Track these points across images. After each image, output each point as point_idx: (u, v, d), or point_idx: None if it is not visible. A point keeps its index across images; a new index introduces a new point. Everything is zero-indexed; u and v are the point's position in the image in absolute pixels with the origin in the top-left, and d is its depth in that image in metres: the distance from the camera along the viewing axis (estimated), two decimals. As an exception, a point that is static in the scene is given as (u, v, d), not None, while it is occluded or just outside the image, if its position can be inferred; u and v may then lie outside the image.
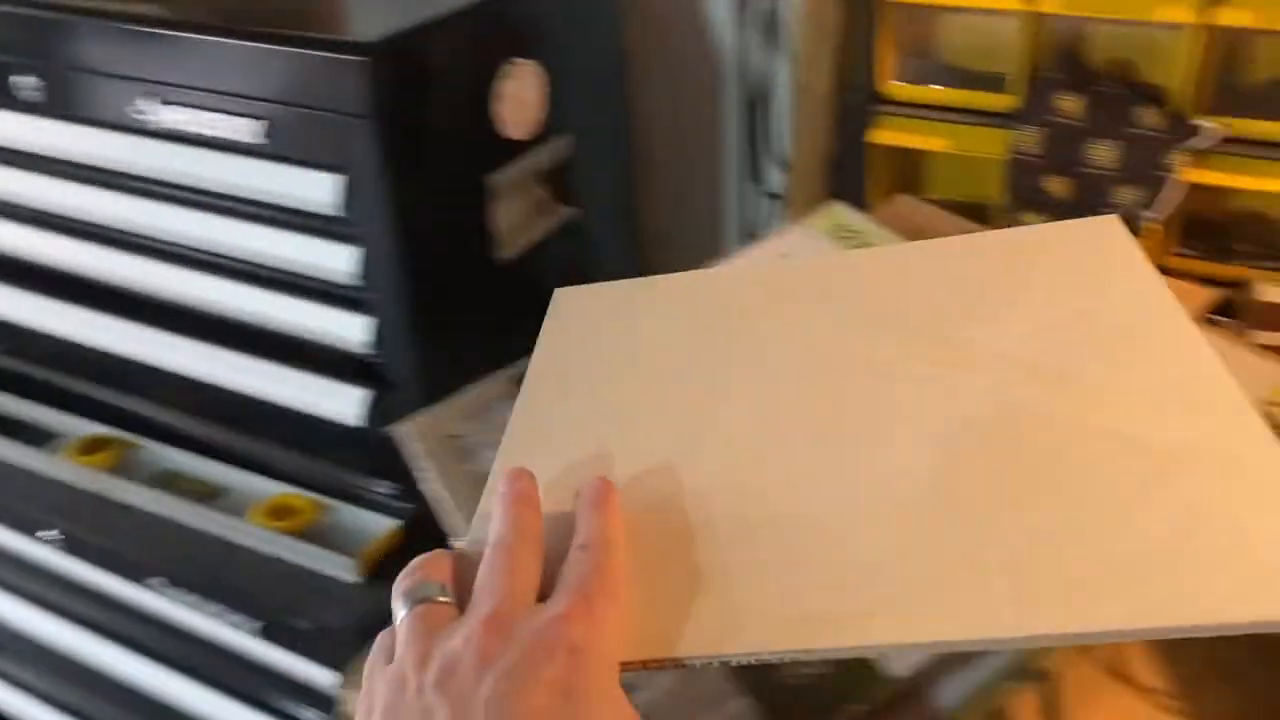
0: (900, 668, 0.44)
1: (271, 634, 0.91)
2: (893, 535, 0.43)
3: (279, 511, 0.95)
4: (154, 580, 0.96)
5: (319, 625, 0.87)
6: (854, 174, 0.88)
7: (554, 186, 0.95)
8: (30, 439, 1.08)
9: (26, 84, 0.88)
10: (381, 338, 0.83)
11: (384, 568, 0.91)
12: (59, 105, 0.87)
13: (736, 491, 0.48)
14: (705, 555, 0.45)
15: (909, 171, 0.90)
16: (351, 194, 0.76)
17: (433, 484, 0.61)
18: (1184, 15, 0.72)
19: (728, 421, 0.52)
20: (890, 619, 0.40)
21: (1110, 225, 0.58)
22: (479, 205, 0.86)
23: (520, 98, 0.86)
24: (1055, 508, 0.43)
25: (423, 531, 0.91)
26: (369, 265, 0.80)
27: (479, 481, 0.61)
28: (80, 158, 0.89)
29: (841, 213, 0.74)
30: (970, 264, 0.58)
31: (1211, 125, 0.74)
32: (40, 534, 1.03)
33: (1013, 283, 0.56)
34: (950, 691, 0.46)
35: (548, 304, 0.95)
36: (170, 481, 1.02)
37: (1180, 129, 0.74)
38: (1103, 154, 0.75)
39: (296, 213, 0.81)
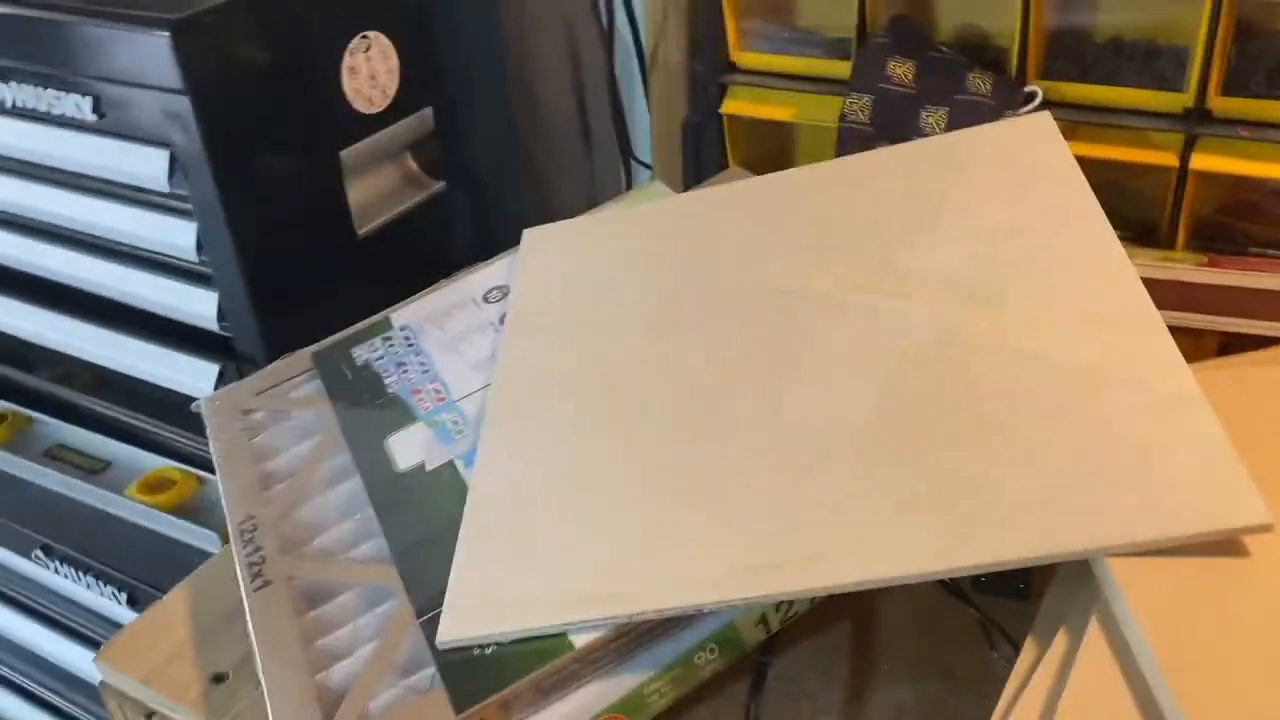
0: (580, 640, 0.44)
1: (137, 604, 0.92)
2: (836, 478, 0.47)
3: (157, 485, 0.96)
4: (36, 551, 0.98)
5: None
6: (710, 146, 0.86)
7: (421, 159, 0.95)
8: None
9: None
10: (227, 312, 0.83)
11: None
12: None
13: (694, 440, 0.51)
14: (666, 508, 0.48)
15: (769, 143, 0.89)
16: (179, 169, 0.77)
17: (217, 458, 0.62)
18: (1010, -25, 0.70)
19: (684, 367, 0.56)
20: (836, 563, 0.43)
21: (1041, 123, 0.62)
22: (332, 180, 0.86)
23: (371, 71, 0.86)
24: (978, 439, 0.46)
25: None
26: (208, 240, 0.80)
27: (259, 456, 0.61)
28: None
29: (658, 190, 0.73)
30: (908, 177, 0.62)
31: (1039, 90, 0.72)
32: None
33: (948, 196, 0.60)
34: (646, 658, 0.46)
35: (414, 277, 0.95)
36: (61, 455, 1.03)
37: (1010, 94, 0.72)
38: (933, 121, 0.73)
39: (135, 188, 0.81)
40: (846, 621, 0.53)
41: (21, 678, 1.22)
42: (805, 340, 0.54)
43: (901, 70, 0.74)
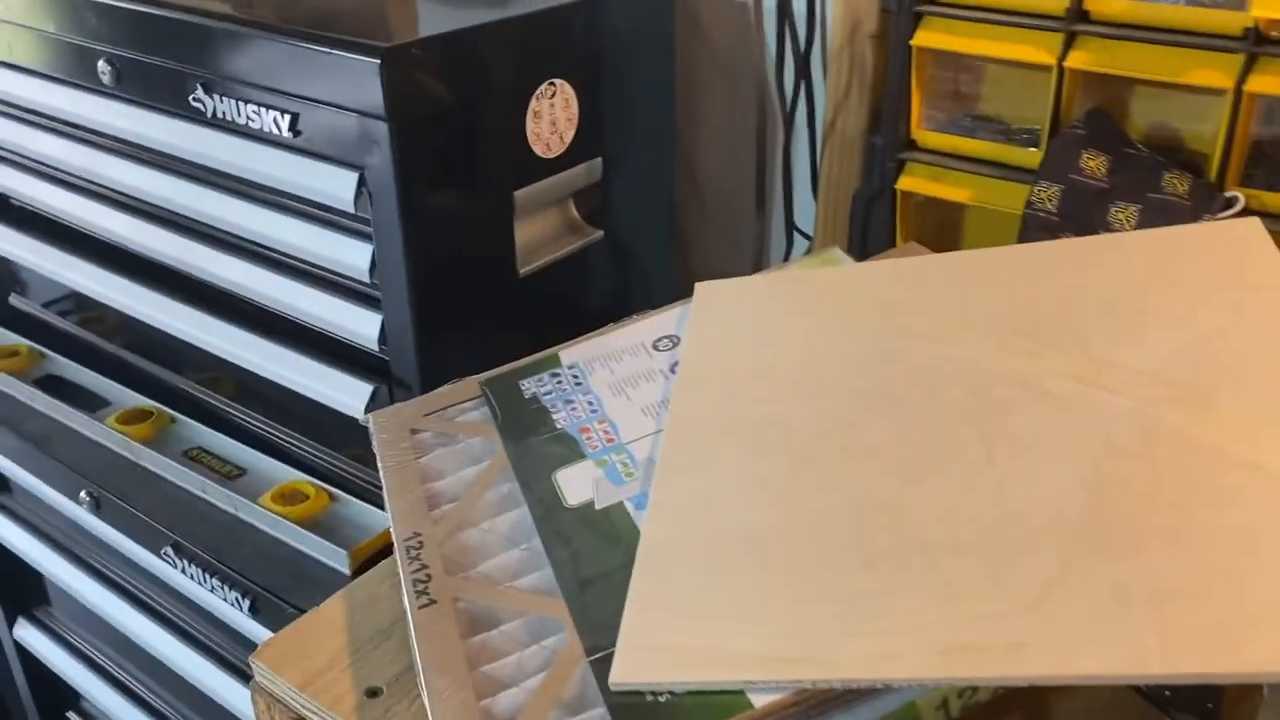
0: (761, 699, 0.43)
1: (259, 614, 0.93)
2: (1043, 566, 0.45)
3: (290, 496, 0.98)
4: (166, 549, 1.00)
5: (302, 610, 0.89)
6: (880, 218, 0.86)
7: (585, 207, 0.96)
8: (88, 404, 1.14)
9: (105, 70, 0.94)
10: (390, 335, 0.85)
11: (375, 563, 0.92)
12: (127, 89, 0.93)
13: (889, 512, 0.50)
14: (861, 578, 0.47)
15: (941, 222, 0.88)
16: (366, 192, 0.79)
17: (385, 474, 0.62)
18: (1219, 80, 0.69)
19: (876, 436, 0.55)
20: (1042, 652, 0.42)
21: (1251, 228, 0.60)
22: (503, 218, 0.87)
23: (553, 118, 0.88)
24: (1195, 543, 0.44)
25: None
26: (382, 262, 0.82)
27: (426, 476, 0.62)
28: (141, 139, 0.95)
29: (836, 257, 0.73)
30: (1111, 267, 0.61)
31: (1241, 197, 0.70)
32: (80, 495, 1.08)
33: (1153, 290, 0.59)
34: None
35: (562, 319, 0.96)
36: (199, 458, 1.05)
37: (1208, 199, 0.71)
38: (1123, 218, 0.72)
39: (318, 205, 0.84)
40: (1018, 713, 0.51)
41: (124, 674, 1.24)
42: (1003, 423, 0.53)
43: (1094, 163, 0.73)
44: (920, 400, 0.56)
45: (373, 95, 0.74)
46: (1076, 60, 0.73)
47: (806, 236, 0.98)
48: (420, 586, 0.54)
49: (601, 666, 0.47)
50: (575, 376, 0.67)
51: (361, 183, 0.79)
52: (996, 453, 0.51)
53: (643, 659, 0.46)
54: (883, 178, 0.84)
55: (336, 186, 0.80)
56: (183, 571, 0.99)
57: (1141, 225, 0.71)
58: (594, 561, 0.53)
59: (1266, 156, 0.72)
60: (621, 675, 0.46)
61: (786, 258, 0.97)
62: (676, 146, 1.07)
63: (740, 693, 0.44)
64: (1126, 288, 0.59)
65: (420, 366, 0.85)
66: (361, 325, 0.86)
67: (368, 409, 0.88)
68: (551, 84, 0.87)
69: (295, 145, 0.82)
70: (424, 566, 0.55)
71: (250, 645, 0.97)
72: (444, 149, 0.80)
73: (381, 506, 0.95)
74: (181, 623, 1.08)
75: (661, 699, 0.45)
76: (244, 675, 1.01)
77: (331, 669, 0.54)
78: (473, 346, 0.90)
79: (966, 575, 0.46)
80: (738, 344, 0.64)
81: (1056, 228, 0.74)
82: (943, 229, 0.89)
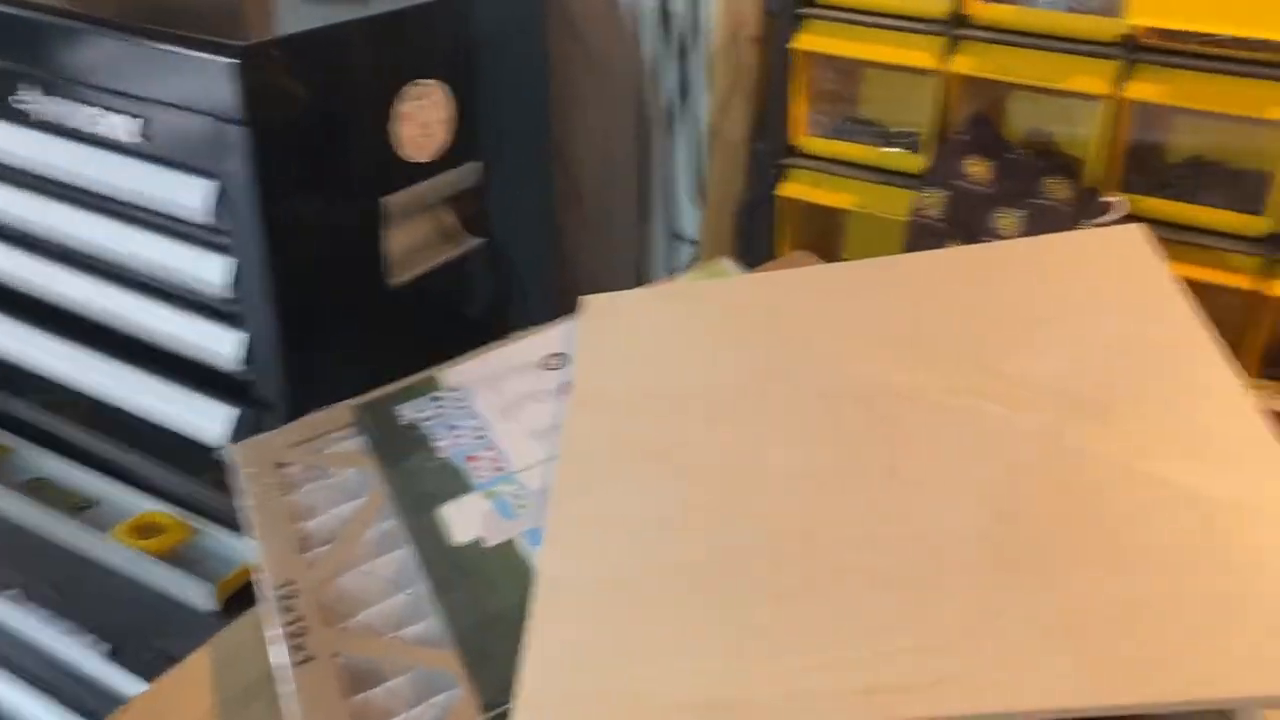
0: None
1: (120, 658, 0.86)
2: (957, 599, 0.43)
3: (145, 529, 0.91)
4: (11, 591, 0.91)
5: (167, 654, 0.83)
6: (764, 225, 0.85)
7: (462, 213, 0.92)
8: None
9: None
10: (253, 355, 0.79)
11: (245, 597, 0.86)
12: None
13: (801, 539, 0.48)
14: (777, 612, 0.45)
15: (825, 228, 0.87)
16: (224, 202, 0.73)
17: (251, 513, 0.57)
18: (1098, 87, 0.70)
19: (779, 459, 0.52)
20: (963, 688, 0.40)
21: (1136, 235, 0.60)
22: (371, 227, 0.83)
23: (422, 120, 0.83)
24: (1112, 567, 0.43)
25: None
26: (242, 278, 0.76)
27: (297, 515, 0.57)
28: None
29: (724, 268, 0.71)
30: (1001, 277, 0.60)
31: (1122, 201, 0.71)
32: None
33: (1044, 300, 0.58)
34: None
35: (439, 332, 0.92)
36: (41, 490, 0.97)
37: (1089, 203, 0.71)
38: (1007, 223, 0.72)
39: (171, 218, 0.78)
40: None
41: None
42: (904, 442, 0.51)
43: (978, 169, 0.73)
44: (820, 420, 0.54)
45: (229, 97, 0.69)
46: (959, 65, 0.73)
47: (690, 242, 0.96)
48: (296, 641, 0.49)
49: (499, 723, 0.44)
50: (459, 400, 0.63)
51: (218, 191, 0.73)
52: (902, 474, 0.50)
53: (544, 714, 0.43)
54: (765, 184, 0.82)
55: (189, 196, 0.74)
56: (30, 615, 0.91)
57: (1026, 230, 0.72)
58: (485, 606, 0.49)
59: (1143, 162, 0.73)
60: (522, 734, 0.42)
61: (670, 265, 0.95)
62: (555, 151, 1.04)
63: (651, 746, 0.42)
64: (1017, 298, 0.59)
65: (287, 387, 0.79)
66: (220, 344, 0.80)
67: (232, 435, 0.82)
68: (421, 84, 0.82)
69: (144, 152, 0.76)
70: (299, 618, 0.50)
71: (112, 695, 0.90)
72: (306, 153, 0.75)
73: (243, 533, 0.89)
74: (30, 675, 0.99)
75: (566, 757, 0.42)
76: (99, 724, 0.94)
77: (197, 736, 0.50)
78: (344, 364, 0.85)
79: (884, 607, 0.44)
80: (629, 363, 0.61)
81: (943, 234, 0.74)
82: (826, 235, 0.88)
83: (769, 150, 0.81)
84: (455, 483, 0.56)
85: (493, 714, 0.44)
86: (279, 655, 0.49)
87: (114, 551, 0.89)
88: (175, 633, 0.84)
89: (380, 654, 0.49)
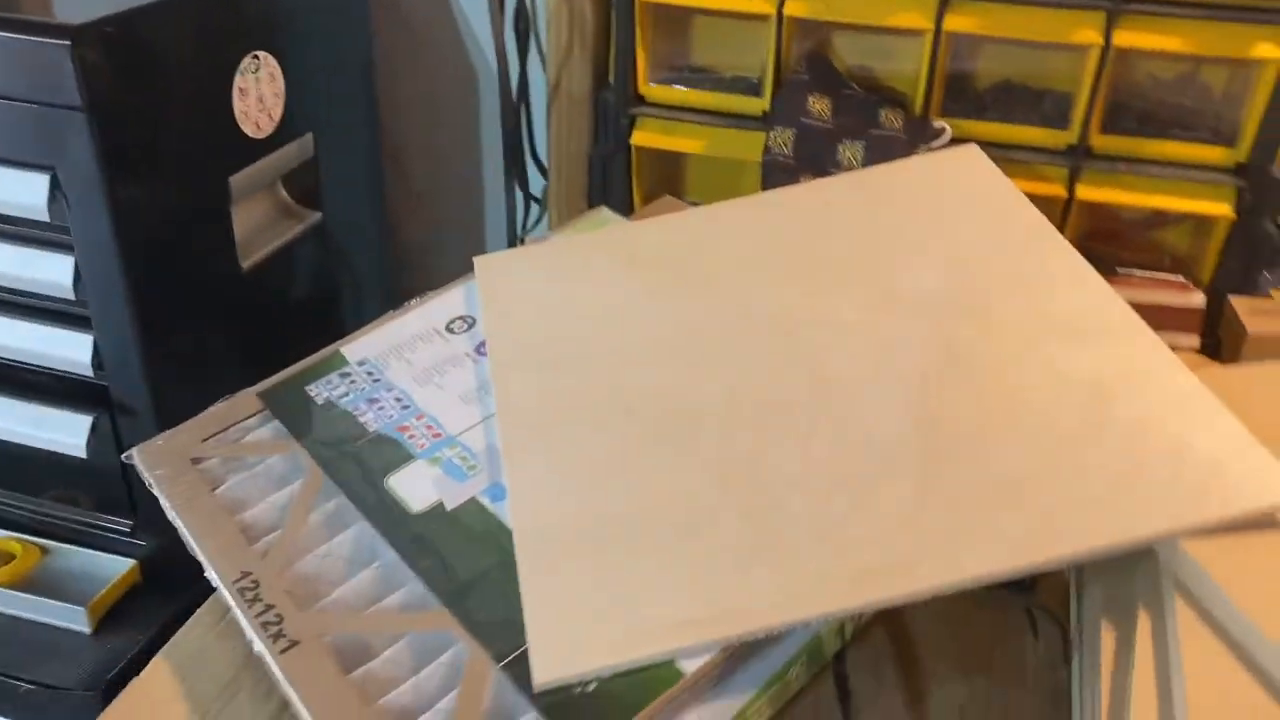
0: (691, 664, 0.43)
1: (-14, 700, 0.80)
2: (902, 486, 0.48)
3: (-10, 560, 0.84)
4: None
5: (46, 686, 0.77)
6: (617, 176, 0.87)
7: (296, 190, 0.89)
8: None
9: None
10: (106, 357, 0.74)
11: (119, 615, 0.82)
12: None
13: (748, 463, 0.51)
14: (744, 529, 0.48)
15: (668, 174, 0.91)
16: (64, 196, 0.68)
17: (179, 514, 0.55)
18: (918, 21, 0.76)
19: (709, 393, 0.55)
20: (932, 565, 0.45)
21: (971, 153, 0.67)
22: (218, 210, 0.79)
23: (259, 94, 0.80)
24: (1023, 445, 0.49)
25: (160, 571, 0.83)
26: (89, 276, 0.71)
27: (230, 508, 0.55)
28: None
29: (606, 217, 0.73)
30: (862, 204, 0.66)
31: (947, 127, 0.78)
32: None
33: (905, 221, 0.64)
34: (744, 678, 0.46)
35: (294, 316, 0.89)
36: None
37: (921, 130, 0.78)
38: (851, 154, 0.78)
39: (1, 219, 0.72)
40: (879, 627, 0.55)
41: None
42: (823, 363, 0.56)
43: (820, 106, 0.78)
44: (739, 352, 0.58)
45: (64, 82, 0.64)
46: (793, 8, 0.78)
47: (535, 200, 0.97)
48: (273, 629, 0.48)
49: (516, 669, 0.45)
50: (369, 373, 0.62)
51: (54, 185, 0.68)
52: (828, 391, 0.54)
53: (559, 652, 0.45)
54: (617, 135, 0.84)
55: (23, 193, 0.68)
56: None
57: (868, 160, 0.77)
58: (466, 564, 0.50)
59: (960, 89, 0.80)
60: (544, 674, 0.44)
61: (523, 224, 0.96)
62: (383, 116, 1.02)
63: (669, 664, 0.44)
64: (888, 221, 0.64)
65: (147, 386, 0.75)
66: (70, 350, 0.75)
67: (88, 445, 0.77)
68: (255, 57, 0.79)
69: (-44, 148, 0.69)
70: (270, 607, 0.49)
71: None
72: (149, 136, 0.71)
73: (110, 550, 0.84)
74: None
75: (590, 688, 0.44)
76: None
77: (182, 744, 0.48)
78: (203, 357, 0.81)
79: (840, 508, 0.48)
80: (541, 318, 0.62)
81: (794, 170, 0.78)
82: (670, 180, 0.91)
83: (618, 100, 0.83)
84: (394, 453, 0.56)
85: (506, 661, 0.45)
86: (259, 647, 0.48)
87: (-42, 589, 0.82)
88: (47, 664, 0.79)
89: (369, 628, 0.49)
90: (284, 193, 0.90)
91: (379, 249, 1.05)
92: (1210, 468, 0.47)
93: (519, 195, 0.96)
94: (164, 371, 0.76)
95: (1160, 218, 0.82)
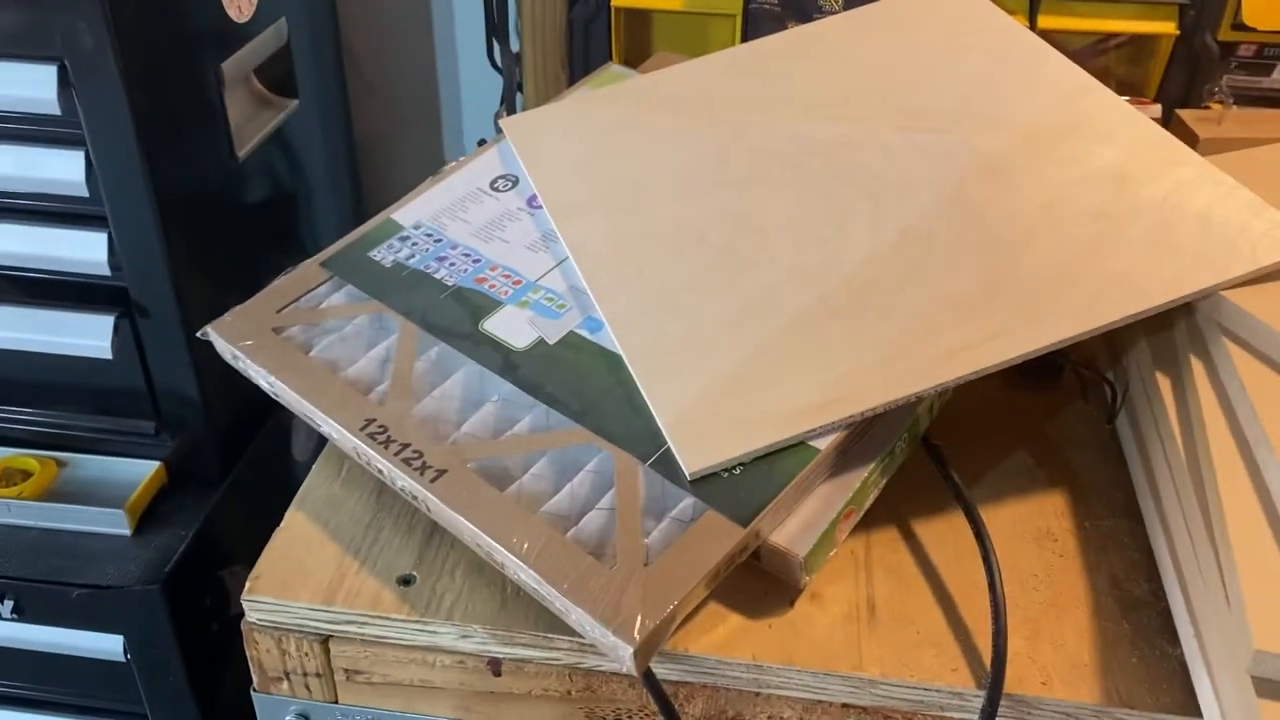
0: (822, 443, 0.48)
1: (31, 612, 0.80)
2: (968, 277, 0.54)
3: (8, 476, 0.83)
4: None
5: (101, 587, 0.78)
6: (597, 39, 0.89)
7: (265, 80, 0.88)
8: None
9: None
10: (126, 255, 0.74)
11: (152, 516, 0.82)
12: None
13: (827, 268, 0.55)
14: (840, 325, 0.52)
15: (640, 35, 0.93)
16: (74, 87, 0.67)
17: (280, 378, 0.56)
18: None
19: (776, 214, 0.59)
20: (1016, 336, 0.51)
21: None
22: (216, 97, 0.78)
23: (240, -24, 0.79)
24: (1070, 229, 0.55)
25: (186, 471, 0.83)
26: (104, 172, 0.70)
27: (330, 367, 0.57)
28: None
29: (619, 72, 0.75)
30: (865, 40, 0.70)
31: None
32: None
33: (912, 50, 0.68)
34: (859, 455, 0.51)
35: (284, 206, 0.90)
36: None
37: (893, -28, 0.82)
38: (832, 1, 0.81)
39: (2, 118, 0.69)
40: (945, 415, 0.61)
41: None
42: (870, 176, 0.60)
43: (800, -46, 0.82)
44: (791, 176, 0.62)
45: (76, -35, 0.62)
46: None
47: (498, 70, 0.97)
48: (416, 464, 0.51)
49: (663, 467, 0.49)
50: (428, 234, 0.64)
51: (63, 77, 0.67)
52: (882, 200, 0.59)
53: (703, 444, 0.49)
54: (598, -2, 0.86)
55: (31, 87, 0.67)
56: (-109, 602, 0.81)
57: (848, 4, 0.81)
58: (584, 388, 0.54)
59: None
60: (694, 464, 0.48)
61: (503, 99, 0.96)
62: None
63: (802, 444, 0.49)
64: (892, 52, 0.69)
65: (171, 281, 0.75)
66: (84, 251, 0.74)
67: (113, 346, 0.76)
68: (232, -62, 0.77)
69: (-56, 45, 0.67)
70: (406, 445, 0.52)
71: (20, 656, 0.83)
72: (154, 20, 0.69)
73: (132, 455, 0.84)
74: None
75: (736, 472, 0.49)
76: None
77: (345, 575, 0.51)
78: (216, 249, 0.81)
79: (918, 300, 0.53)
80: (586, 167, 0.65)
81: (780, 17, 0.82)
82: (642, 42, 0.93)
83: (597, -36, 0.85)
84: (482, 302, 0.59)
85: (651, 460, 0.50)
86: (405, 482, 0.51)
87: (-15, 507, 0.81)
88: (85, 570, 0.79)
89: (506, 451, 0.52)
90: (257, 82, 0.88)
91: (343, 140, 1.04)
92: (1236, 229, 0.54)
93: (491, 71, 0.97)
94: (184, 266, 0.75)
95: (1106, 42, 0.89)
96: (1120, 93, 0.88)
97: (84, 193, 0.71)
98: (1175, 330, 0.56)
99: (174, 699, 0.83)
